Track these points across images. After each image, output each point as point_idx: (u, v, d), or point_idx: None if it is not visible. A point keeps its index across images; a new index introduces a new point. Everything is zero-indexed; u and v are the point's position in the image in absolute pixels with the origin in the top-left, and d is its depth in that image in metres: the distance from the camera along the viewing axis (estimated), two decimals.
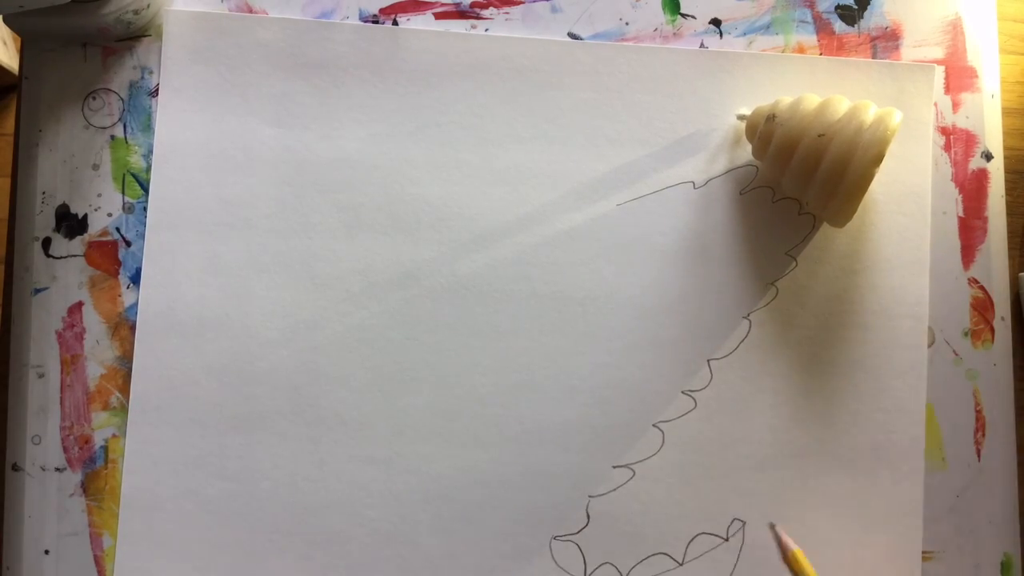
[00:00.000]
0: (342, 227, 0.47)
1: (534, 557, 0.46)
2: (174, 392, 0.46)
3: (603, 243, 0.47)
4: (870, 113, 0.42)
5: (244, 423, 0.46)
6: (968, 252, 0.49)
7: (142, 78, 0.48)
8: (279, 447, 0.46)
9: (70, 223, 0.47)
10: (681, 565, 0.46)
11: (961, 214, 0.49)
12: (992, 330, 0.49)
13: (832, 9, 0.50)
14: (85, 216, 0.47)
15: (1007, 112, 0.50)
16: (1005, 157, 0.50)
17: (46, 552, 0.46)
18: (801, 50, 0.49)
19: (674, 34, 0.49)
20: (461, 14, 0.49)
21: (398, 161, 0.48)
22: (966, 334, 0.48)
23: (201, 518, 0.46)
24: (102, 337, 0.47)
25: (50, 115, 0.47)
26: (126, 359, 0.47)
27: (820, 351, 0.47)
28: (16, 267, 0.47)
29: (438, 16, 0.49)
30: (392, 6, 0.49)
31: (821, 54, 0.49)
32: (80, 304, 0.47)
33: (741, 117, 0.47)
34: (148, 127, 0.48)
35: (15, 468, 0.46)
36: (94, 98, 0.48)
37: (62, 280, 0.47)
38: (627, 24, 0.49)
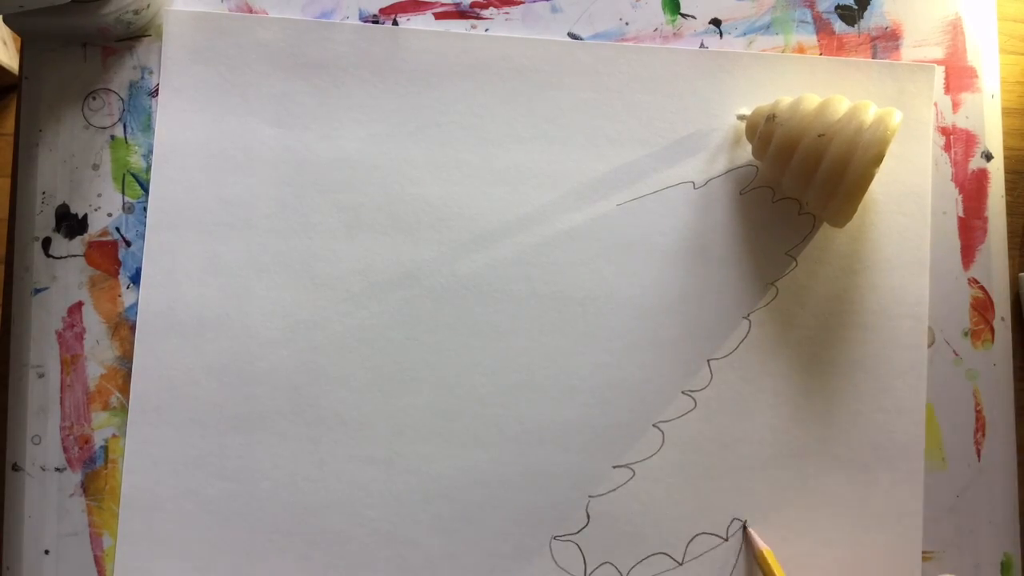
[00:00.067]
0: (342, 227, 0.47)
1: (534, 557, 0.46)
2: (174, 392, 0.46)
3: (603, 243, 0.47)
4: (870, 113, 0.42)
5: (244, 423, 0.46)
6: (968, 252, 0.49)
7: (142, 78, 0.48)
8: (279, 447, 0.46)
9: (70, 223, 0.47)
10: (681, 565, 0.46)
11: (961, 214, 0.49)
12: (992, 330, 0.49)
13: (832, 9, 0.50)
14: (85, 216, 0.47)
15: (1007, 112, 0.50)
16: (1005, 157, 0.50)
17: (46, 552, 0.46)
18: (801, 50, 0.49)
19: (674, 34, 0.49)
20: (461, 14, 0.49)
21: (398, 161, 0.48)
22: (966, 334, 0.48)
23: (201, 518, 0.46)
24: (102, 337, 0.47)
25: (50, 115, 0.47)
26: (126, 359, 0.47)
27: (820, 351, 0.47)
28: (16, 267, 0.47)
29: (438, 16, 0.49)
30: (392, 6, 0.49)
31: (821, 54, 0.49)
32: (80, 304, 0.47)
33: (741, 117, 0.47)
34: (148, 127, 0.48)
35: (15, 468, 0.46)
36: (94, 98, 0.48)
37: (62, 280, 0.47)
38: (627, 24, 0.49)
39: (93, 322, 0.47)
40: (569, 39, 0.49)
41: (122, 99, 0.48)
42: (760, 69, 0.49)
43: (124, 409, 0.46)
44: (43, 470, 0.46)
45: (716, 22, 0.49)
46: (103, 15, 0.46)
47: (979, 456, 0.48)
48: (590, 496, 0.46)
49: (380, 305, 0.47)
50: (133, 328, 0.47)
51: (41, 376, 0.46)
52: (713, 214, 0.48)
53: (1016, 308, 0.49)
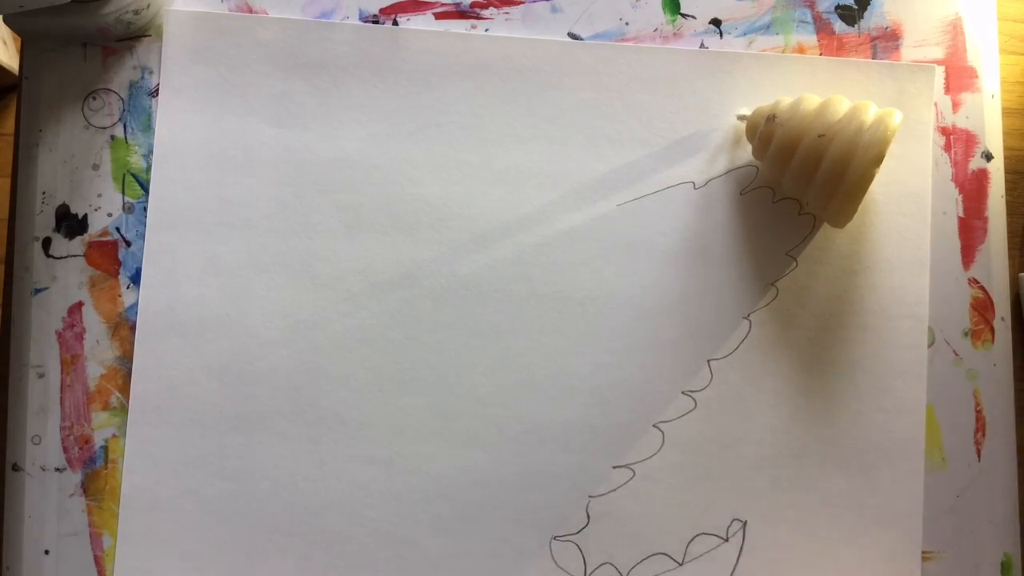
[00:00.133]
0: (342, 227, 0.47)
1: (534, 557, 0.46)
2: (174, 392, 0.46)
3: (603, 243, 0.47)
4: (870, 113, 0.42)
5: (244, 423, 0.46)
6: (968, 252, 0.49)
7: (142, 78, 0.48)
8: (279, 447, 0.46)
9: (70, 223, 0.47)
10: (681, 565, 0.46)
11: (961, 214, 0.49)
12: (992, 330, 0.49)
13: (832, 9, 0.50)
14: (85, 216, 0.47)
15: (1007, 112, 0.50)
16: (1005, 157, 0.50)
17: (46, 552, 0.46)
18: (801, 50, 0.49)
19: (674, 34, 0.49)
20: (461, 14, 0.49)
21: (398, 161, 0.48)
22: (966, 334, 0.48)
23: (201, 518, 0.46)
24: (102, 337, 0.47)
25: (50, 115, 0.47)
26: (126, 359, 0.47)
27: (820, 351, 0.47)
28: (16, 267, 0.47)
29: (438, 16, 0.49)
30: (392, 6, 0.49)
31: (821, 54, 0.49)
32: (80, 304, 0.47)
33: (741, 117, 0.47)
34: (148, 127, 0.48)
35: (15, 468, 0.46)
36: (94, 98, 0.48)
37: (62, 280, 0.47)
38: (627, 24, 0.49)
39: (93, 322, 0.47)
40: (569, 39, 0.49)
41: (122, 99, 0.48)
42: (760, 69, 0.49)
43: (124, 409, 0.46)
44: (43, 470, 0.46)
45: (716, 22, 0.49)
46: (103, 15, 0.46)
47: (979, 456, 0.48)
48: (590, 496, 0.46)
49: (380, 305, 0.47)
50: (133, 328, 0.47)
51: (41, 376, 0.46)
52: (713, 214, 0.48)
53: (1016, 308, 0.49)
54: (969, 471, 0.48)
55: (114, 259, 0.47)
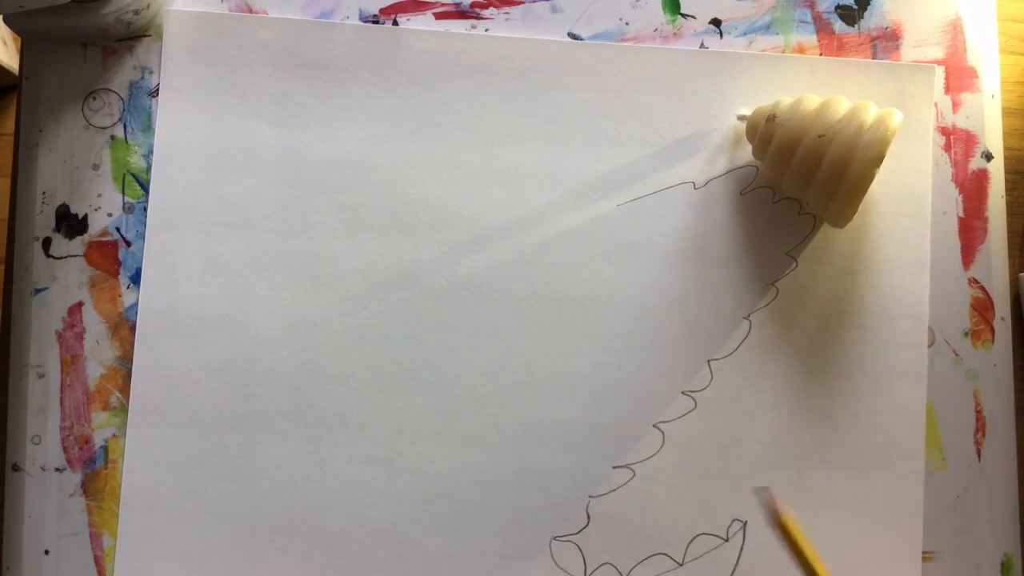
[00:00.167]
0: (342, 227, 0.47)
1: (534, 557, 0.46)
2: (174, 392, 0.46)
3: (603, 243, 0.47)
4: (870, 113, 0.42)
5: (244, 423, 0.46)
6: (968, 252, 0.49)
7: (142, 78, 0.48)
8: (279, 447, 0.46)
9: (70, 223, 0.47)
10: (681, 565, 0.46)
11: (961, 214, 0.49)
12: (992, 330, 0.49)
13: (832, 9, 0.50)
14: (85, 216, 0.47)
15: (1007, 112, 0.50)
16: (1005, 157, 0.50)
17: (46, 552, 0.46)
18: (801, 50, 0.49)
19: (674, 34, 0.49)
20: (461, 14, 0.49)
21: (398, 161, 0.48)
22: (966, 334, 0.48)
23: (201, 518, 0.46)
24: (102, 337, 0.47)
25: (50, 115, 0.47)
26: (126, 359, 0.47)
27: (820, 351, 0.47)
28: (16, 267, 0.47)
29: (438, 16, 0.49)
30: (392, 6, 0.49)
31: (821, 54, 0.49)
32: (80, 304, 0.47)
33: (741, 117, 0.47)
34: (148, 127, 0.48)
35: (15, 468, 0.46)
36: (94, 98, 0.48)
37: (62, 280, 0.47)
38: (627, 24, 0.49)
39: (93, 322, 0.47)
40: (569, 39, 0.49)
41: (122, 99, 0.48)
42: (760, 69, 0.49)
43: (124, 409, 0.46)
44: (43, 470, 0.46)
45: (716, 22, 0.49)
46: (103, 15, 0.46)
47: (979, 456, 0.48)
48: (590, 496, 0.46)
49: (380, 305, 0.47)
50: (133, 328, 0.47)
51: (41, 376, 0.46)
52: (713, 214, 0.48)
53: (1016, 308, 0.49)
54: (969, 471, 0.48)
55: (114, 259, 0.47)
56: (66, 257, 0.47)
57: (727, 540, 0.46)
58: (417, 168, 0.48)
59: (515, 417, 0.47)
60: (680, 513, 0.46)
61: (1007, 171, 0.50)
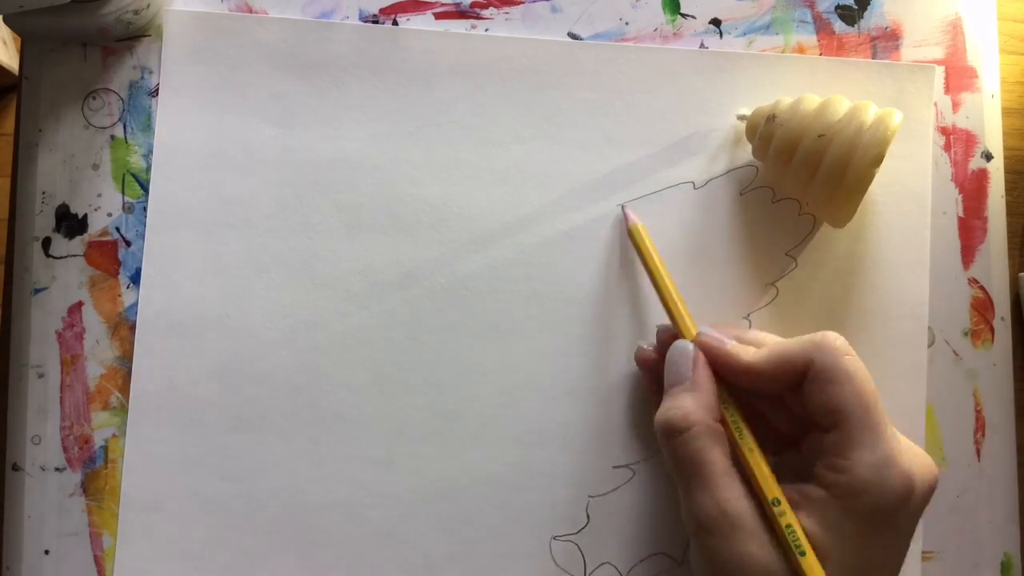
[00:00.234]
0: (342, 227, 0.47)
1: (534, 557, 0.46)
2: (174, 392, 0.46)
3: (603, 243, 0.47)
4: (870, 113, 0.42)
5: (244, 423, 0.46)
6: (968, 252, 0.49)
7: (142, 78, 0.48)
8: (279, 447, 0.46)
9: (70, 223, 0.47)
10: (681, 565, 0.46)
11: (961, 214, 0.49)
12: (992, 330, 0.49)
13: (832, 9, 0.50)
14: (85, 216, 0.47)
15: (1007, 112, 0.50)
16: (1005, 157, 0.50)
17: (46, 552, 0.46)
18: (801, 50, 0.49)
19: (674, 34, 0.49)
20: (461, 14, 0.49)
21: (398, 161, 0.48)
22: (966, 334, 0.48)
23: (201, 518, 0.46)
24: (102, 337, 0.47)
25: (50, 115, 0.47)
26: (126, 359, 0.47)
27: None
28: (16, 267, 0.47)
29: (438, 16, 0.49)
30: (392, 6, 0.49)
31: (821, 54, 0.49)
32: (80, 304, 0.47)
33: (741, 117, 0.47)
34: (148, 127, 0.48)
35: (15, 468, 0.46)
36: (94, 98, 0.48)
37: (62, 280, 0.47)
38: (627, 24, 0.49)
39: (93, 322, 0.47)
40: (569, 39, 0.49)
41: (122, 99, 0.48)
42: (760, 69, 0.49)
43: (124, 409, 0.46)
44: (43, 470, 0.46)
45: (716, 22, 0.49)
46: (103, 15, 0.46)
47: (979, 456, 0.48)
48: (590, 496, 0.46)
49: (380, 305, 0.47)
50: (133, 328, 0.47)
51: (41, 376, 0.46)
52: (713, 214, 0.48)
53: (1016, 308, 0.49)
54: (969, 471, 0.48)
55: (114, 259, 0.47)
56: (66, 257, 0.47)
57: None
58: (417, 168, 0.48)
59: (515, 417, 0.47)
60: (680, 513, 0.46)
61: (1007, 171, 0.50)
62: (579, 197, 0.48)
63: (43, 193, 0.47)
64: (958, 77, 0.50)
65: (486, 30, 0.49)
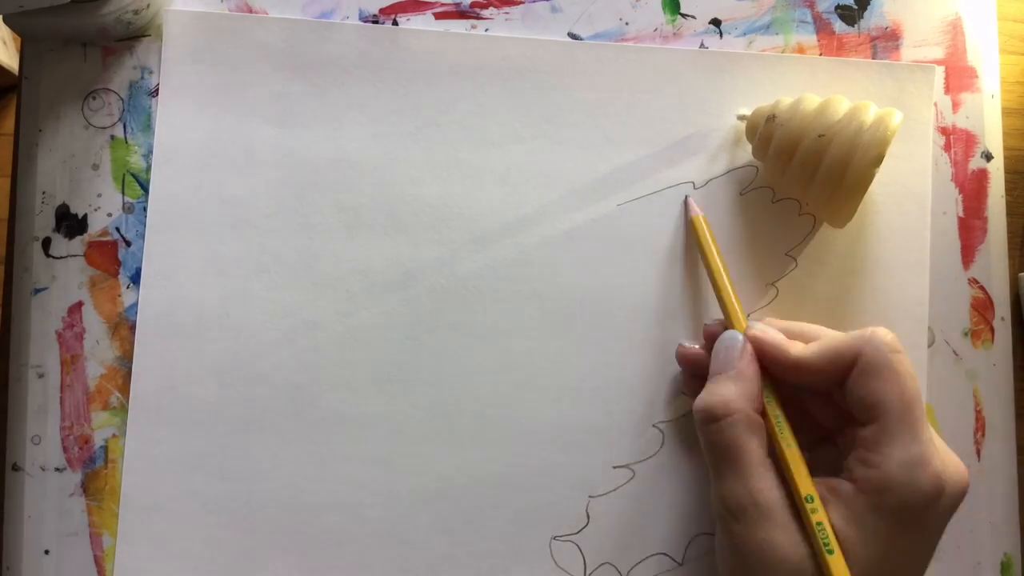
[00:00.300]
0: (342, 227, 0.47)
1: (534, 557, 0.46)
2: (174, 392, 0.46)
3: (603, 243, 0.47)
4: (870, 113, 0.42)
5: (244, 423, 0.46)
6: (968, 252, 0.49)
7: (142, 78, 0.48)
8: (279, 447, 0.46)
9: (70, 223, 0.47)
10: (681, 565, 0.46)
11: (961, 214, 0.49)
12: (992, 330, 0.49)
13: (832, 9, 0.50)
14: (85, 216, 0.47)
15: (1007, 112, 0.50)
16: (1005, 157, 0.50)
17: (46, 552, 0.46)
18: (801, 50, 0.49)
19: (674, 34, 0.49)
20: (461, 14, 0.49)
21: (398, 161, 0.48)
22: (966, 334, 0.48)
23: (201, 518, 0.46)
24: (102, 337, 0.47)
25: (50, 115, 0.47)
26: (126, 359, 0.47)
27: None
28: (16, 267, 0.47)
29: (438, 16, 0.49)
30: (392, 6, 0.49)
31: (821, 54, 0.49)
32: (80, 304, 0.47)
33: (741, 117, 0.47)
34: (148, 127, 0.48)
35: (15, 468, 0.46)
36: (94, 98, 0.48)
37: (62, 280, 0.47)
38: (627, 24, 0.49)
39: (93, 322, 0.47)
40: (569, 39, 0.49)
41: (122, 99, 0.48)
42: (760, 69, 0.49)
43: (124, 409, 0.46)
44: (43, 470, 0.46)
45: (716, 22, 0.49)
46: (103, 15, 0.46)
47: (979, 456, 0.48)
48: (590, 496, 0.46)
49: (380, 305, 0.47)
50: (133, 328, 0.47)
51: (41, 376, 0.46)
52: (713, 214, 0.48)
53: (1016, 308, 0.49)
54: (969, 471, 0.48)
55: (114, 259, 0.47)
56: (66, 257, 0.47)
57: None
58: (417, 168, 0.48)
59: (515, 417, 0.47)
60: (680, 513, 0.46)
61: (1007, 171, 0.50)
62: (579, 197, 0.48)
63: (43, 193, 0.47)
64: (958, 77, 0.50)
65: (486, 30, 0.49)
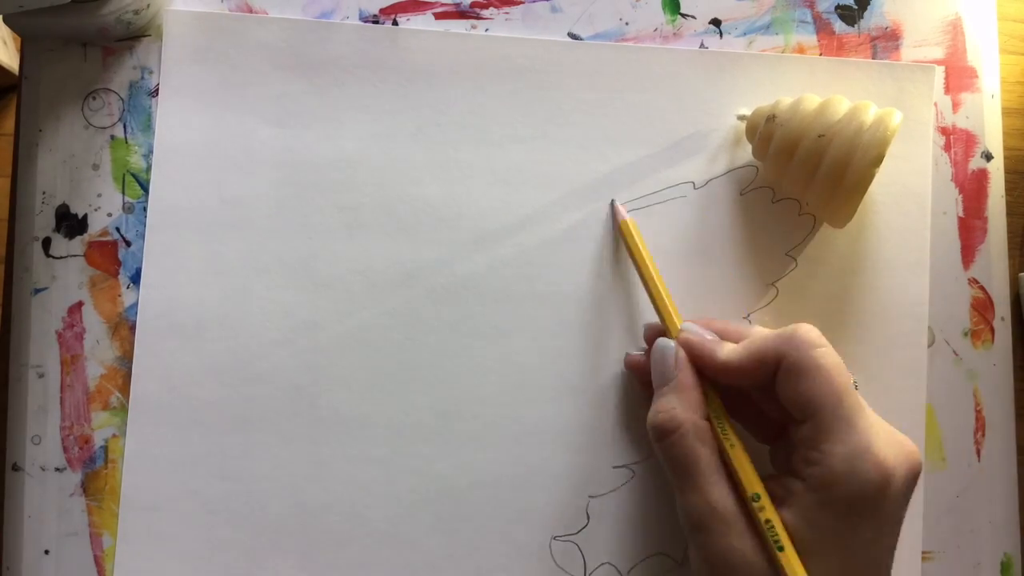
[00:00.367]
0: (342, 227, 0.47)
1: (534, 557, 0.46)
2: (174, 392, 0.46)
3: (603, 243, 0.47)
4: (870, 113, 0.42)
5: (244, 423, 0.46)
6: (968, 252, 0.49)
7: (142, 78, 0.48)
8: (279, 447, 0.46)
9: (70, 223, 0.47)
10: (681, 565, 0.46)
11: (961, 214, 0.49)
12: (992, 330, 0.49)
13: (832, 9, 0.50)
14: (85, 216, 0.47)
15: (1007, 112, 0.50)
16: (1005, 157, 0.50)
17: (46, 552, 0.46)
18: (801, 50, 0.49)
19: (674, 34, 0.49)
20: (461, 14, 0.49)
21: (398, 161, 0.48)
22: (966, 334, 0.48)
23: (201, 518, 0.46)
24: (102, 337, 0.47)
25: (50, 115, 0.47)
26: (126, 359, 0.47)
27: None
28: (16, 267, 0.47)
29: (438, 16, 0.49)
30: (392, 6, 0.49)
31: (821, 54, 0.49)
32: (80, 304, 0.47)
33: (741, 117, 0.47)
34: (148, 127, 0.48)
35: (15, 468, 0.46)
36: (94, 98, 0.48)
37: (62, 280, 0.47)
38: (627, 24, 0.49)
39: (93, 322, 0.47)
40: (569, 39, 0.49)
41: (122, 99, 0.48)
42: (760, 69, 0.49)
43: (124, 409, 0.46)
44: (43, 470, 0.46)
45: (716, 22, 0.49)
46: (103, 15, 0.46)
47: (979, 456, 0.48)
48: (590, 496, 0.46)
49: (380, 305, 0.47)
50: (133, 328, 0.47)
51: (41, 376, 0.46)
52: (713, 214, 0.48)
53: (1016, 308, 0.49)
54: (969, 471, 0.48)
55: (114, 259, 0.47)
56: (66, 257, 0.47)
57: None
58: (417, 168, 0.48)
59: (515, 417, 0.47)
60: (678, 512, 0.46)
61: (1007, 171, 0.50)
62: (579, 197, 0.48)
63: (43, 193, 0.47)
64: (958, 77, 0.50)
65: (486, 30, 0.49)
